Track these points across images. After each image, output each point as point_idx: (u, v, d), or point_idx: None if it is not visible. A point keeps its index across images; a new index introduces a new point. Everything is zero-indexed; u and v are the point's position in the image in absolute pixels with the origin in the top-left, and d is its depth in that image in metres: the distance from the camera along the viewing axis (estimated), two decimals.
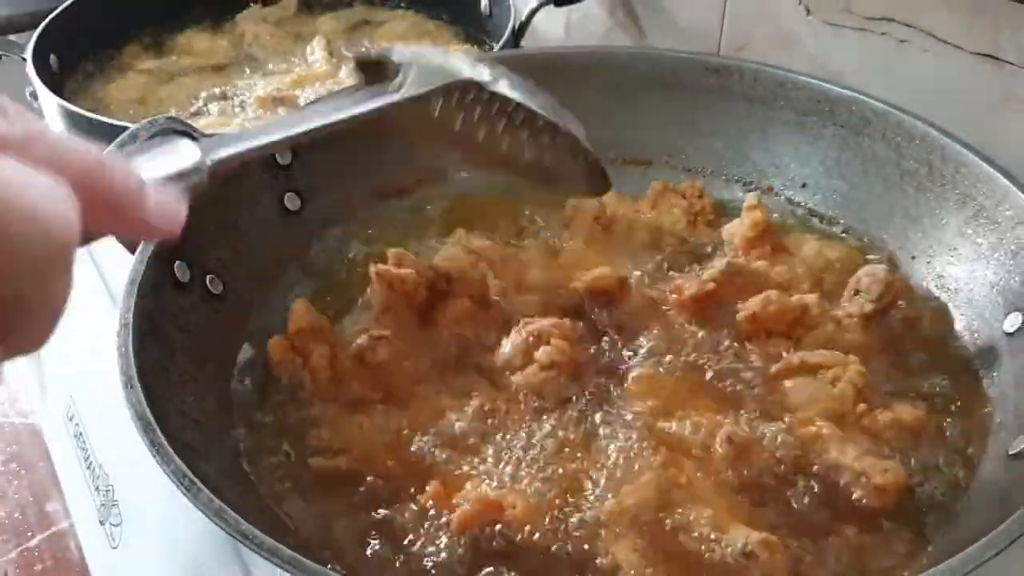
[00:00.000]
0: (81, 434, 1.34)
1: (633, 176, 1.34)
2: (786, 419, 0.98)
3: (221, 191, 1.10)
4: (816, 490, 0.92)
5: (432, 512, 0.90)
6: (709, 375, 1.04)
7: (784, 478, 0.93)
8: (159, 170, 0.71)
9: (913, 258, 1.17)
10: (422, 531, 0.89)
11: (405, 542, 0.89)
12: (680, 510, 0.88)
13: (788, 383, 1.02)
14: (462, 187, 1.30)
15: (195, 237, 1.06)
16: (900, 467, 0.92)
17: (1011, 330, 1.02)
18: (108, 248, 1.23)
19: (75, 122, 1.39)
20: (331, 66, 1.70)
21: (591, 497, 0.91)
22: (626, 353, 1.07)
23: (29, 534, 1.53)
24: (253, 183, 1.17)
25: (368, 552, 0.88)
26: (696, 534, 0.86)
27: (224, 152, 0.81)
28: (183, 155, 0.75)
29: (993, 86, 1.22)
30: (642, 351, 1.07)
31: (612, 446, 0.96)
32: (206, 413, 0.97)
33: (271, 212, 1.19)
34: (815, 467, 0.94)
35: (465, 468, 0.95)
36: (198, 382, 0.99)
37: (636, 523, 0.86)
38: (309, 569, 0.71)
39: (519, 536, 0.87)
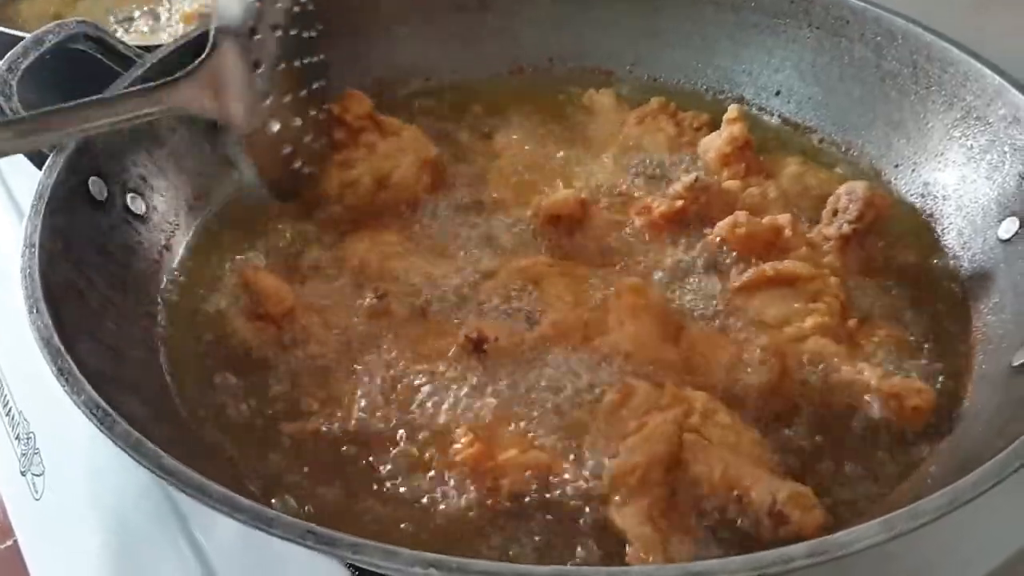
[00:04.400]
0: None
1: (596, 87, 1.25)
2: (772, 335, 0.90)
3: None
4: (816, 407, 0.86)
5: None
6: (679, 297, 0.96)
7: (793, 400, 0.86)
8: None
9: (897, 166, 1.10)
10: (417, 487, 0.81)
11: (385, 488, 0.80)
12: (694, 464, 0.77)
13: (758, 297, 0.95)
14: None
15: (112, 151, 0.96)
16: (930, 387, 0.85)
17: (1007, 236, 0.95)
18: (17, 165, 1.12)
19: None
20: None
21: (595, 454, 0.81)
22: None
23: None
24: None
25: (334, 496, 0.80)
26: (715, 497, 0.76)
27: None
28: None
29: None
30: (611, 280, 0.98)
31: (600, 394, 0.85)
32: (129, 342, 0.87)
33: (200, 127, 1.07)
34: (820, 384, 0.86)
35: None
36: (119, 308, 0.89)
37: (644, 485, 0.75)
38: (244, 507, 0.61)
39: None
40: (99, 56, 1.04)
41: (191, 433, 0.84)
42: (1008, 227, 0.95)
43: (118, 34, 1.42)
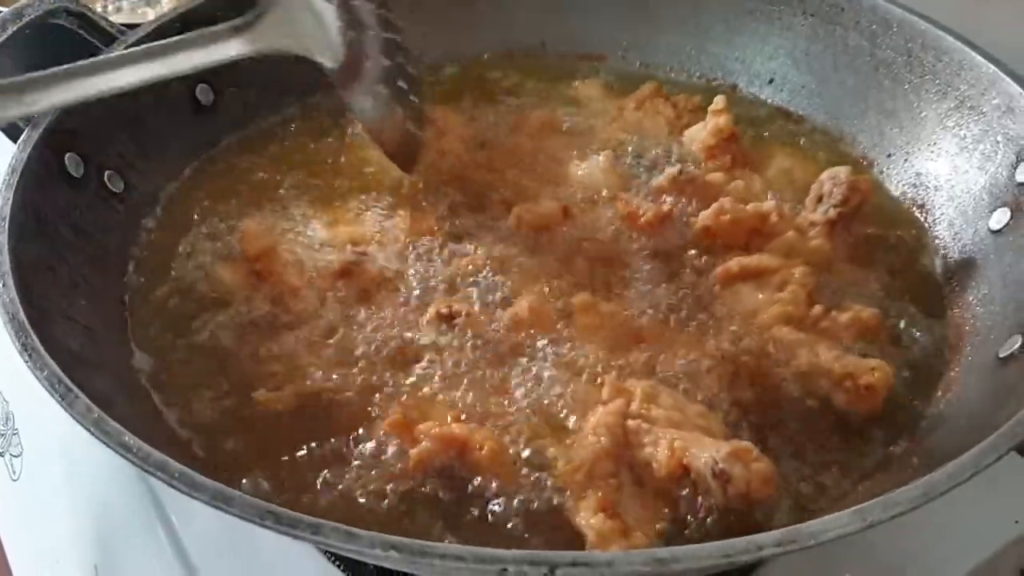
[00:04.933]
0: None
1: (587, 73, 1.24)
2: (740, 327, 0.89)
3: None
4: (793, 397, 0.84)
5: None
6: (657, 296, 0.94)
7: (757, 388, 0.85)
8: None
9: (889, 156, 1.08)
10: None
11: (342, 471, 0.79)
12: (642, 449, 0.76)
13: (731, 292, 0.93)
14: None
15: (90, 129, 0.95)
16: (887, 364, 0.83)
17: (997, 227, 0.93)
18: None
19: None
20: None
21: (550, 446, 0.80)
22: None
23: None
24: None
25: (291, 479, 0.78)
26: (671, 478, 0.74)
27: None
28: None
29: None
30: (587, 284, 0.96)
31: (559, 388, 0.85)
32: (102, 320, 0.86)
33: (181, 106, 1.07)
34: (788, 373, 0.85)
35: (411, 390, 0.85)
36: (92, 286, 0.88)
37: (593, 479, 0.74)
38: (204, 486, 0.60)
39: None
40: (80, 32, 1.02)
41: (161, 412, 0.83)
42: (999, 218, 0.93)
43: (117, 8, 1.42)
